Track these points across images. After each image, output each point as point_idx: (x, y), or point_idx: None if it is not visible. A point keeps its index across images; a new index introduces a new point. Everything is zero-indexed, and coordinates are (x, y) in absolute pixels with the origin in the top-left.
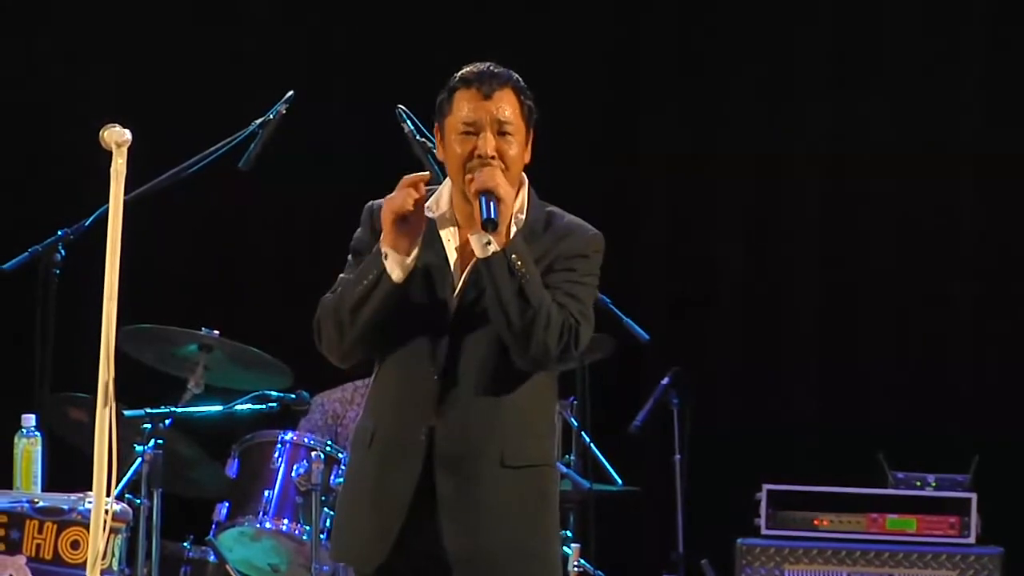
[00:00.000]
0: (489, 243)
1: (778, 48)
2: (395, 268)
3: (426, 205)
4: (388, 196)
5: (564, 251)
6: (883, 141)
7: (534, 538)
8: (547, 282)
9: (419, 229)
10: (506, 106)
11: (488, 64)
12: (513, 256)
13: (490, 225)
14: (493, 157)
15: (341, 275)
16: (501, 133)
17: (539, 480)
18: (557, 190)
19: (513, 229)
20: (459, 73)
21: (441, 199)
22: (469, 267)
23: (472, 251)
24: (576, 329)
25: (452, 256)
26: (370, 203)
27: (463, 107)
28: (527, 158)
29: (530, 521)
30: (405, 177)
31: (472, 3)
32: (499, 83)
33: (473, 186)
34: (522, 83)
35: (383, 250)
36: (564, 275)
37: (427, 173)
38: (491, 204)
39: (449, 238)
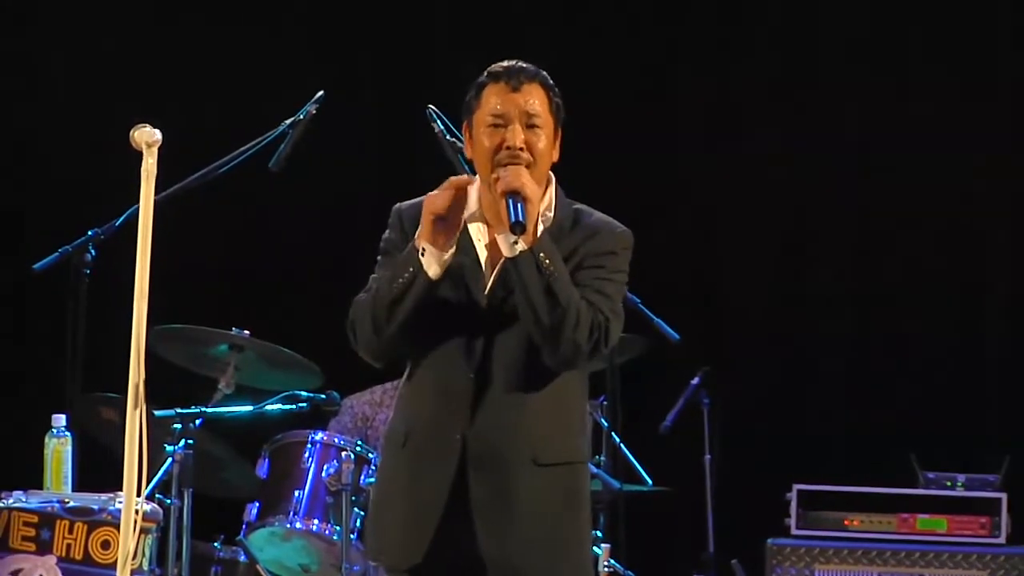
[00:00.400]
0: (516, 242)
1: (804, 45)
2: (432, 264)
3: None
4: (431, 193)
5: (593, 248)
6: (914, 140)
7: (567, 537)
8: (576, 279)
9: (456, 228)
10: (535, 99)
11: (516, 61)
12: (541, 255)
13: (518, 228)
14: (522, 149)
15: (372, 275)
16: (530, 126)
17: (572, 478)
18: (585, 190)
19: (540, 227)
20: (487, 70)
21: (470, 197)
22: (499, 266)
23: (501, 249)
24: (606, 326)
25: (482, 254)
26: (397, 205)
27: (491, 100)
28: (555, 156)
29: (563, 519)
30: (452, 179)
31: (501, 4)
32: (527, 77)
33: (499, 187)
34: (550, 80)
35: (420, 246)
36: (593, 272)
37: (473, 177)
38: (518, 205)
39: (479, 236)
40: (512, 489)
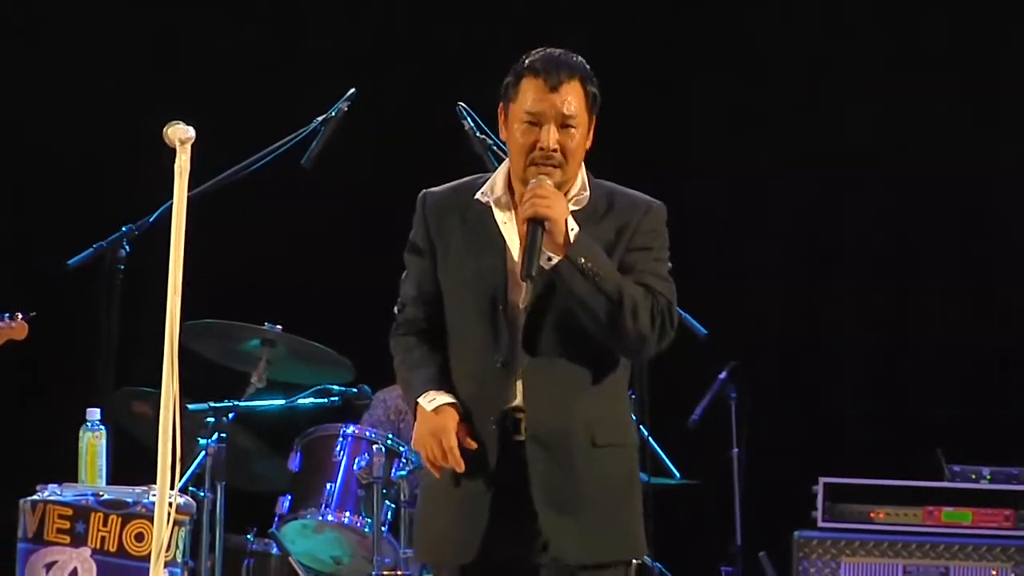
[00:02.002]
0: (550, 258)
1: (818, 48)
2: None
3: (481, 191)
4: (439, 439)
5: (636, 228)
6: (935, 140)
7: (625, 516)
8: (627, 263)
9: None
10: (572, 99)
11: (558, 52)
12: (581, 259)
13: (528, 280)
14: (555, 150)
15: (403, 278)
16: (564, 126)
17: (628, 460)
18: (607, 176)
19: (573, 230)
20: (527, 58)
21: (496, 184)
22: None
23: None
24: (668, 308)
25: (512, 238)
26: (423, 192)
27: (528, 97)
28: (589, 142)
29: (621, 499)
30: (449, 454)
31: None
32: (567, 74)
33: (521, 213)
34: (588, 69)
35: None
36: (643, 255)
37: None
38: (535, 243)
39: (505, 220)
40: (574, 470)
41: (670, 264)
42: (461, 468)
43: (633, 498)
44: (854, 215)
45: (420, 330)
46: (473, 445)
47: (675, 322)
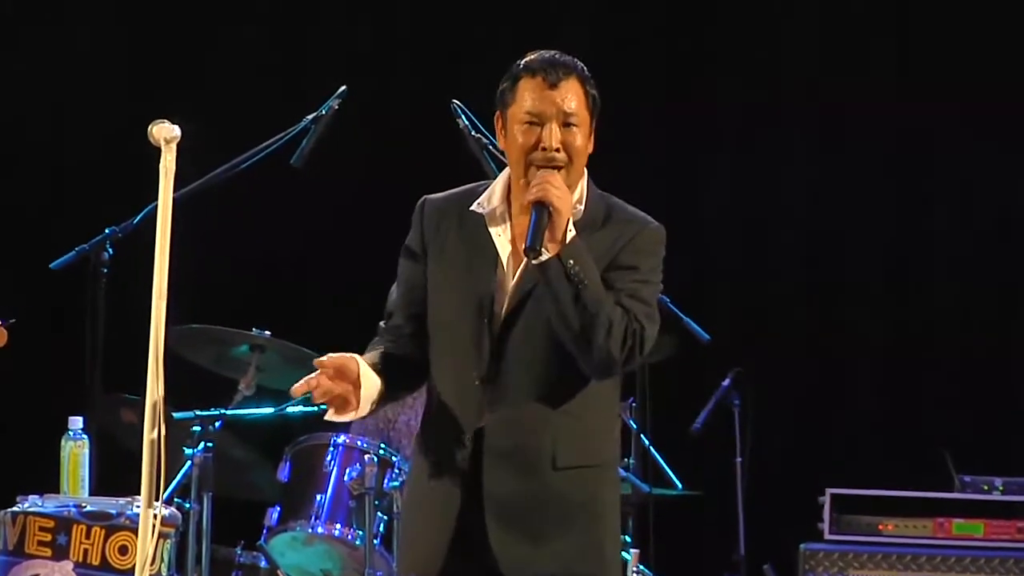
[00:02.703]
0: (542, 250)
1: (845, 40)
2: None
3: (477, 201)
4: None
5: (626, 246)
6: (953, 139)
7: (589, 543)
8: (609, 280)
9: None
10: (572, 96)
11: (553, 52)
12: (571, 262)
13: (531, 253)
14: (558, 149)
15: (393, 287)
16: (566, 124)
17: (594, 482)
18: (613, 184)
19: (571, 233)
20: (523, 60)
21: (493, 195)
22: (521, 265)
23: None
24: (641, 334)
25: (504, 251)
26: (424, 198)
27: (527, 97)
28: (590, 147)
29: (584, 526)
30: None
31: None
32: (565, 72)
33: (527, 196)
34: (587, 72)
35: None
36: (627, 274)
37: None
38: (541, 224)
39: (500, 233)
40: (528, 494)
41: (660, 286)
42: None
43: (601, 521)
44: (862, 217)
45: (402, 337)
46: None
47: (644, 349)
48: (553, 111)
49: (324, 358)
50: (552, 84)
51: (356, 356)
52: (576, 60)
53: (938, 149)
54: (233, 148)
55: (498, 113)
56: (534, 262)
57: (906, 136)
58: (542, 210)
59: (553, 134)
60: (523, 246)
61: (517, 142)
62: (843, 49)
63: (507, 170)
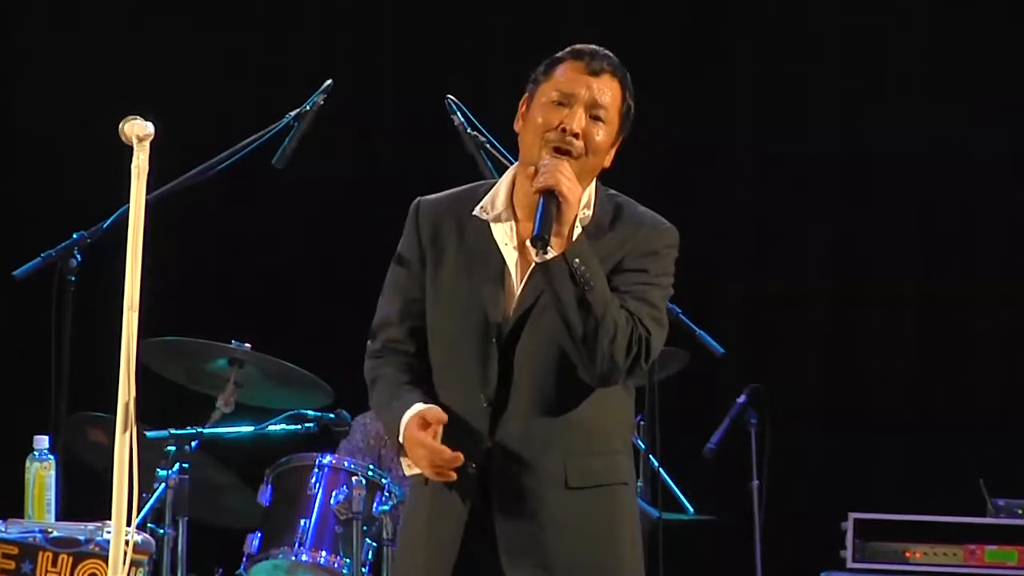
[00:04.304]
0: (547, 247)
1: (865, 33)
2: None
3: (480, 206)
4: (429, 451)
5: (634, 248)
6: (978, 138)
7: (604, 565)
8: (616, 284)
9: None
10: (608, 91)
11: (603, 48)
12: (576, 261)
13: (539, 243)
14: (577, 135)
15: (383, 294)
16: (594, 117)
17: (609, 501)
18: (627, 186)
19: (577, 229)
20: (571, 47)
21: (497, 197)
22: (529, 271)
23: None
24: (647, 340)
25: (510, 258)
26: (418, 200)
27: (563, 76)
28: (608, 161)
29: (599, 548)
30: (443, 460)
31: None
32: (610, 67)
33: (535, 183)
34: (630, 81)
35: (405, 462)
36: (635, 276)
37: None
38: (549, 213)
39: (506, 241)
40: (539, 516)
41: (671, 291)
42: (448, 453)
43: (619, 542)
44: (890, 226)
45: (403, 354)
46: (443, 417)
47: (651, 356)
48: (585, 96)
49: (436, 426)
50: (593, 72)
51: (432, 408)
52: (624, 68)
53: (966, 149)
54: (211, 146)
55: (526, 95)
56: (537, 260)
57: (933, 136)
58: (550, 198)
59: (577, 118)
60: (528, 238)
61: (536, 120)
62: (865, 52)
63: (510, 171)
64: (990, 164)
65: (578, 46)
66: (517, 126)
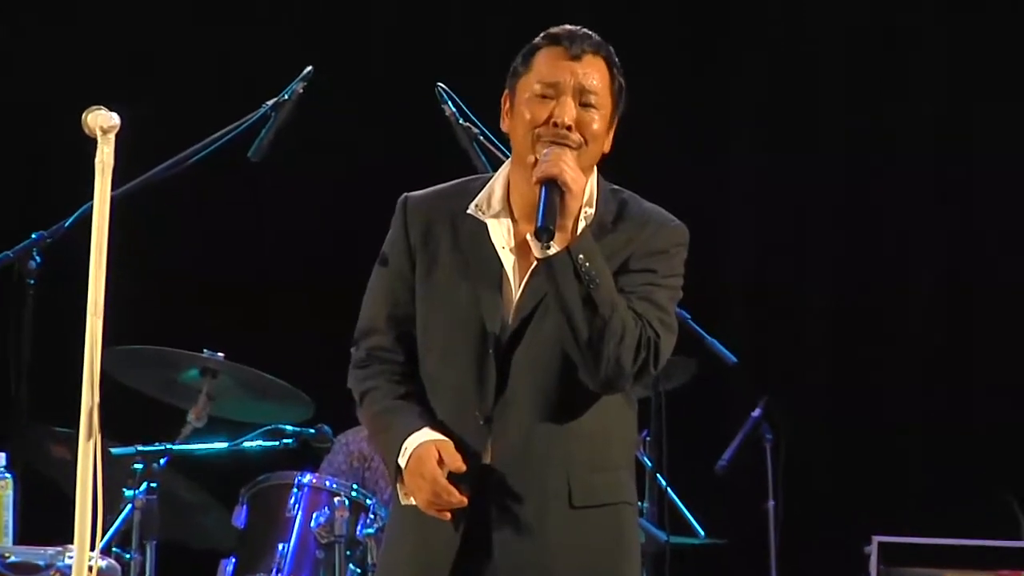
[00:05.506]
0: (547, 246)
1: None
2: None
3: (474, 203)
4: (433, 486)
5: (641, 246)
6: (993, 155)
7: None
8: (621, 285)
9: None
10: (595, 73)
11: (579, 27)
12: (580, 257)
13: (544, 235)
14: (570, 128)
15: (367, 297)
16: (584, 104)
17: (615, 521)
18: (634, 185)
19: (581, 224)
20: (545, 32)
21: (493, 195)
22: (529, 272)
23: (532, 249)
24: (656, 343)
25: (507, 260)
26: (405, 196)
27: (543, 66)
28: (607, 146)
29: (604, 568)
30: (442, 499)
31: None
32: (591, 47)
33: (535, 173)
34: (615, 57)
35: (400, 489)
36: (641, 276)
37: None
38: (552, 203)
39: (503, 244)
40: (542, 538)
41: (680, 293)
42: (456, 497)
43: (624, 562)
44: (915, 231)
45: (391, 363)
46: (461, 466)
47: (659, 362)
48: (571, 83)
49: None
50: (575, 56)
51: (430, 446)
52: (605, 42)
53: (984, 148)
54: (182, 139)
55: (507, 91)
56: (539, 256)
57: (948, 141)
58: (552, 187)
59: (567, 109)
60: (527, 238)
61: (524, 118)
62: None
63: (504, 168)
64: (1006, 163)
65: (553, 30)
66: (504, 126)
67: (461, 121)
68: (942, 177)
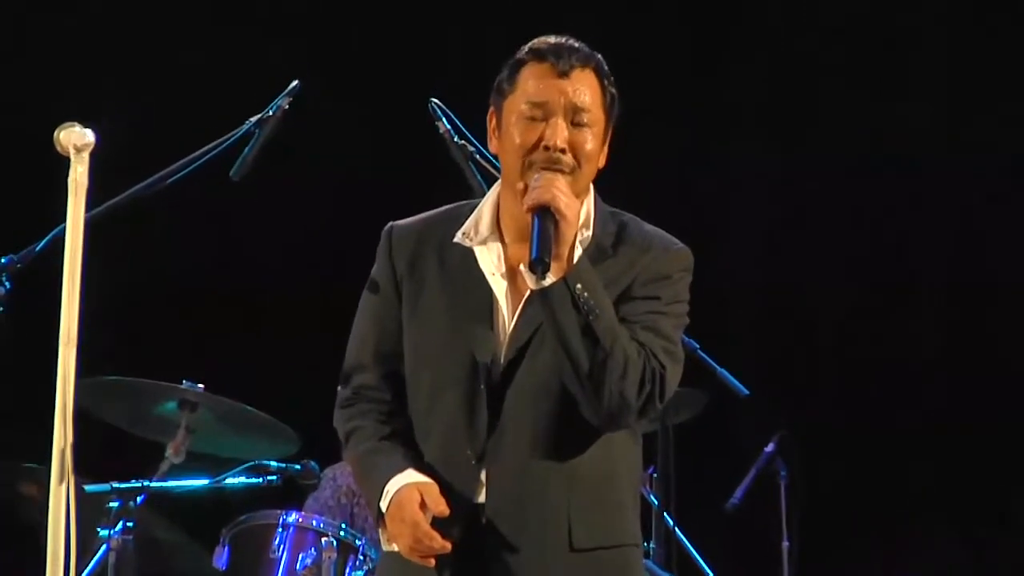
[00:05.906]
0: (543, 275)
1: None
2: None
3: (461, 231)
4: (414, 531)
5: (643, 272)
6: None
7: None
8: (623, 313)
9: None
10: (585, 90)
11: (566, 37)
12: (578, 287)
13: (539, 266)
14: (564, 151)
15: (354, 332)
16: (576, 123)
17: (619, 565)
18: (630, 204)
19: (578, 251)
20: (528, 44)
21: (481, 221)
22: (523, 301)
23: (526, 279)
24: (661, 375)
25: (498, 288)
26: (390, 225)
27: (530, 84)
28: (603, 161)
29: None
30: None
31: None
32: (579, 60)
33: (527, 201)
34: (605, 66)
35: (383, 534)
36: (645, 304)
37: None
38: (546, 232)
39: (493, 270)
40: None
41: (686, 320)
42: (439, 542)
43: None
44: (928, 249)
45: (378, 402)
46: (445, 510)
47: (665, 395)
48: (561, 103)
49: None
50: (562, 72)
51: (412, 489)
52: (594, 52)
53: (984, 148)
54: (161, 157)
55: (492, 109)
56: (533, 287)
57: (948, 141)
58: (546, 215)
59: (559, 131)
60: (520, 263)
61: (513, 141)
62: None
63: (494, 190)
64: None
65: (537, 44)
66: (492, 146)
67: (456, 139)
68: (942, 177)
